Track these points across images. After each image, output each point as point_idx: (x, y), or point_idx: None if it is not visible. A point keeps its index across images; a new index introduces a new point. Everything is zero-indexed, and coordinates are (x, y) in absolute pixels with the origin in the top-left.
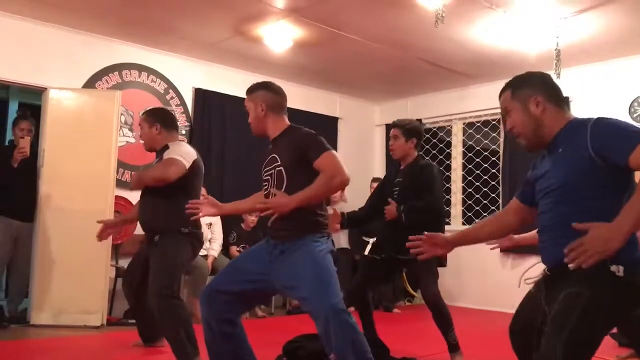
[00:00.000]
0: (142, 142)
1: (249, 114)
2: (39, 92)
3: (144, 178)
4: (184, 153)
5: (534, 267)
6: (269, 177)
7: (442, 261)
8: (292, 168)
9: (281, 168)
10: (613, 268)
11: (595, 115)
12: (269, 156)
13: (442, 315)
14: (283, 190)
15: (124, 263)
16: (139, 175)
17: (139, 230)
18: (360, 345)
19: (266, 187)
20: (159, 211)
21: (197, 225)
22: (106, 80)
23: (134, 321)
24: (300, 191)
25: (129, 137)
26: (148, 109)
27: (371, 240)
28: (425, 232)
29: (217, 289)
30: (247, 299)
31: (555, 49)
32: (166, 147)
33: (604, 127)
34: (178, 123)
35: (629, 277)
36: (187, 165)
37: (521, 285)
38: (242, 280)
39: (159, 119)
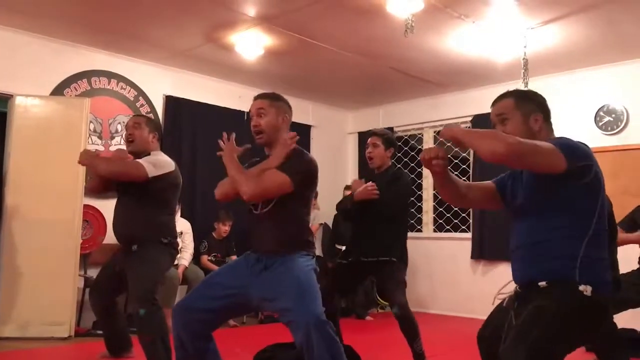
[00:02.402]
0: (127, 141)
1: (258, 116)
2: (4, 99)
3: (100, 165)
4: (157, 162)
5: (508, 285)
6: None
7: (400, 264)
8: None
9: None
10: (581, 287)
11: (561, 125)
12: None
13: (409, 325)
14: (272, 205)
15: (93, 273)
16: (96, 159)
17: (107, 240)
18: (340, 357)
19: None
20: (139, 221)
21: (174, 235)
22: (75, 87)
23: (102, 332)
24: (237, 163)
25: (97, 145)
26: (146, 115)
27: (343, 248)
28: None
29: (192, 305)
30: (222, 314)
31: (523, 59)
32: (147, 154)
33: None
34: None
35: (596, 297)
36: (151, 173)
37: (495, 302)
38: (218, 296)
39: (158, 130)
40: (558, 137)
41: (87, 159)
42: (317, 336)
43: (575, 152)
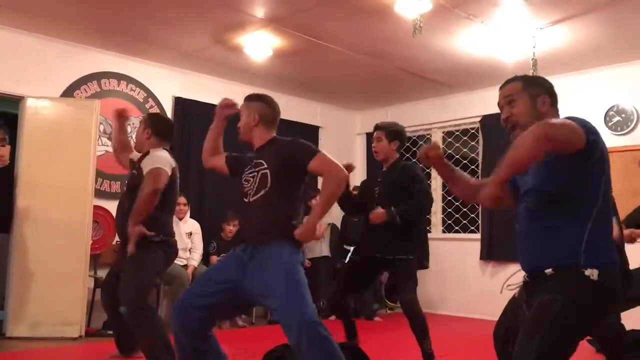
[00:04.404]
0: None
1: (240, 119)
2: (14, 101)
3: (141, 207)
4: (163, 160)
5: (516, 274)
6: (251, 178)
7: (424, 263)
8: (277, 172)
9: (267, 171)
10: (587, 272)
11: None
12: (253, 161)
13: (418, 324)
14: (267, 190)
15: (103, 273)
16: (133, 215)
17: (116, 240)
18: (335, 357)
19: (246, 186)
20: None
21: (169, 233)
22: (85, 89)
23: (112, 331)
24: (317, 206)
25: (107, 146)
26: (151, 113)
27: (352, 249)
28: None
29: (188, 303)
30: (220, 310)
31: (532, 59)
32: (147, 153)
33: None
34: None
35: (603, 280)
36: (169, 171)
37: (503, 291)
38: (213, 291)
39: (153, 126)
40: (566, 117)
41: (138, 217)
42: (308, 338)
43: (587, 126)
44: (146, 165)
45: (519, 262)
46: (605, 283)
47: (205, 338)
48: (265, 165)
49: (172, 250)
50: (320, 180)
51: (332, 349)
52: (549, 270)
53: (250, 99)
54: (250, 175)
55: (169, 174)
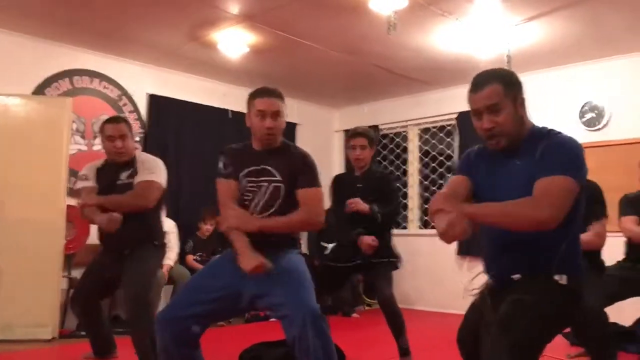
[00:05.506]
0: (117, 152)
1: (277, 117)
2: None
3: (120, 205)
4: (163, 172)
5: (477, 278)
6: (256, 188)
7: (397, 264)
8: (290, 188)
9: (281, 185)
10: (556, 277)
11: (547, 122)
12: (257, 165)
13: (395, 319)
14: (276, 207)
15: (77, 274)
16: (117, 200)
17: (91, 240)
18: (333, 354)
19: (250, 197)
20: (133, 227)
21: (164, 237)
22: (56, 86)
23: (87, 334)
24: (274, 219)
25: (80, 144)
26: (121, 116)
27: (330, 246)
28: None
29: (178, 314)
30: (216, 316)
31: (507, 56)
32: (133, 159)
33: (552, 148)
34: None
35: (571, 285)
36: (164, 186)
37: (464, 296)
38: (206, 300)
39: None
40: (561, 147)
41: (117, 205)
42: (313, 331)
43: (583, 173)
44: (143, 171)
45: (487, 269)
46: (574, 287)
47: (194, 345)
48: (278, 177)
49: (165, 255)
50: None
51: (331, 345)
52: (516, 276)
53: (282, 97)
54: (256, 185)
55: (163, 189)
